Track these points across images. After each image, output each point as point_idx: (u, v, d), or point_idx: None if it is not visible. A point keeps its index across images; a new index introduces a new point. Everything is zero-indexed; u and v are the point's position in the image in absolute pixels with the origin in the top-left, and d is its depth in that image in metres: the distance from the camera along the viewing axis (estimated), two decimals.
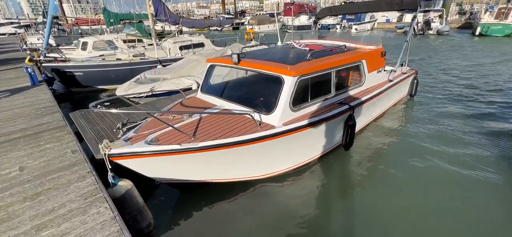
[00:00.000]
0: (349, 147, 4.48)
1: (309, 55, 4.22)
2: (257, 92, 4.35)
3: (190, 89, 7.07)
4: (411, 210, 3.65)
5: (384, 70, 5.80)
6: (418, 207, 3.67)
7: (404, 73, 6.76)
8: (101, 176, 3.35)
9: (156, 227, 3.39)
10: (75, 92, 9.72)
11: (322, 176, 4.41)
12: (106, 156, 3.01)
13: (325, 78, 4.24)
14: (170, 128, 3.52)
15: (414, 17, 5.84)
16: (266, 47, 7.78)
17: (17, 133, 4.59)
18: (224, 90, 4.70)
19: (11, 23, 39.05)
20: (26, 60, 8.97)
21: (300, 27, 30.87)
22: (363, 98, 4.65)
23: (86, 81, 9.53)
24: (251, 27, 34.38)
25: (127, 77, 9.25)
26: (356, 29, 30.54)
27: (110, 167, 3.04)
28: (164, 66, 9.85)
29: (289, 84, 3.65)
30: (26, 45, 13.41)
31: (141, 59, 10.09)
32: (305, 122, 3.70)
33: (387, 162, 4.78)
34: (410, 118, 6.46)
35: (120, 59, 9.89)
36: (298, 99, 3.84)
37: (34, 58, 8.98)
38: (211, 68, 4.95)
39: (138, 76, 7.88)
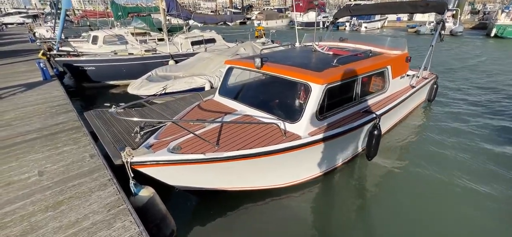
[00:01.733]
0: (373, 157, 4.31)
1: (335, 61, 4.04)
2: (281, 99, 4.20)
3: (203, 88, 6.93)
4: (425, 220, 3.59)
5: (407, 75, 5.59)
6: (431, 219, 3.59)
7: (425, 78, 6.53)
8: (121, 182, 3.27)
9: (178, 233, 3.33)
10: (86, 87, 9.67)
11: (341, 184, 4.31)
12: (129, 164, 2.92)
13: (351, 86, 4.07)
14: (192, 134, 3.40)
15: (441, 20, 5.58)
16: (283, 48, 7.60)
17: (33, 133, 4.52)
18: (244, 94, 4.56)
19: (19, 12, 39.21)
20: (40, 54, 8.90)
21: (309, 24, 30.40)
22: (388, 106, 4.48)
23: (97, 76, 9.46)
24: (259, 22, 33.94)
25: (139, 73, 9.15)
26: (365, 27, 29.95)
27: (132, 175, 2.94)
28: (176, 61, 9.73)
29: (317, 92, 3.49)
30: (38, 38, 13.41)
31: (153, 54, 9.97)
32: (331, 132, 3.55)
33: (406, 170, 4.66)
34: (428, 125, 6.27)
35: (132, 54, 9.78)
36: (324, 108, 3.68)
37: (47, 52, 8.91)
38: (230, 70, 4.80)
39: (150, 73, 7.78)
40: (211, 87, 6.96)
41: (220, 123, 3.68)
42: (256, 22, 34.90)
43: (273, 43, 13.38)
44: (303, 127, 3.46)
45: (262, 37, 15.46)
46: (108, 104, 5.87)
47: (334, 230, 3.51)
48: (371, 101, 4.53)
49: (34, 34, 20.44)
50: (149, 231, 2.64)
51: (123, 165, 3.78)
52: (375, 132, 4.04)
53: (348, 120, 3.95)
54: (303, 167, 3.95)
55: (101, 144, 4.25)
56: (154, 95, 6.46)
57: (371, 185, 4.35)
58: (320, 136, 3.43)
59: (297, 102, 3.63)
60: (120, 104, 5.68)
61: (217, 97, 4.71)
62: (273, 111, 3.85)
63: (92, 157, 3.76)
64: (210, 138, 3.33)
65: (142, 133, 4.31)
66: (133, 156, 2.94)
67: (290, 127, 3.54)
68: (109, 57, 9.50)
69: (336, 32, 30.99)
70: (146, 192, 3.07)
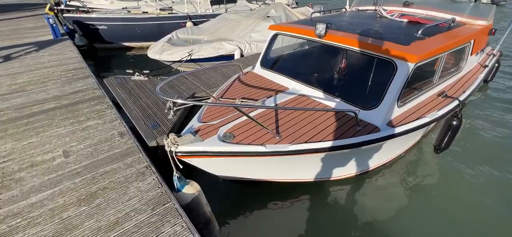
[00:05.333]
0: (443, 151, 3.67)
1: (419, 32, 3.22)
2: (349, 77, 3.46)
3: (233, 56, 6.16)
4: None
5: (481, 51, 4.72)
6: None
7: (491, 54, 5.59)
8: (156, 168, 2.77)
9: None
10: (98, 48, 8.94)
11: (395, 177, 3.73)
12: (173, 154, 2.36)
13: (434, 64, 3.30)
14: (243, 118, 2.80)
15: None
16: (321, 13, 6.59)
17: (50, 102, 3.98)
18: (296, 68, 3.84)
19: None
20: (46, 9, 8.08)
21: None
22: (469, 90, 3.71)
23: (110, 36, 8.67)
24: None
25: (154, 34, 8.34)
26: None
27: (181, 167, 2.39)
28: (194, 23, 8.80)
29: (405, 72, 2.76)
30: None
31: (169, 13, 9.02)
32: (414, 124, 2.88)
33: (467, 163, 4.00)
34: (485, 111, 5.47)
35: (147, 13, 8.85)
36: (406, 91, 2.98)
37: (54, 7, 8.06)
38: (275, 37, 4.02)
39: (170, 36, 6.98)
40: (241, 55, 6.18)
41: (273, 104, 3.04)
42: None
43: (297, 5, 12.04)
44: (382, 116, 2.79)
45: None
46: (130, 71, 5.24)
47: (387, 225, 3.04)
48: (448, 82, 3.77)
49: None
50: None
51: (157, 147, 3.29)
52: (454, 123, 3.33)
53: (427, 106, 3.25)
54: (365, 160, 3.37)
55: (127, 118, 3.72)
56: (179, 61, 5.75)
57: (429, 176, 3.77)
58: (402, 128, 2.77)
59: (375, 83, 2.93)
60: (144, 71, 5.05)
61: (259, 70, 4.00)
62: (339, 93, 3.16)
63: (122, 136, 3.23)
64: (267, 124, 2.73)
65: (175, 109, 3.72)
66: (178, 145, 2.37)
67: (364, 114, 2.87)
68: (121, 16, 8.61)
69: None
70: (191, 189, 2.52)
